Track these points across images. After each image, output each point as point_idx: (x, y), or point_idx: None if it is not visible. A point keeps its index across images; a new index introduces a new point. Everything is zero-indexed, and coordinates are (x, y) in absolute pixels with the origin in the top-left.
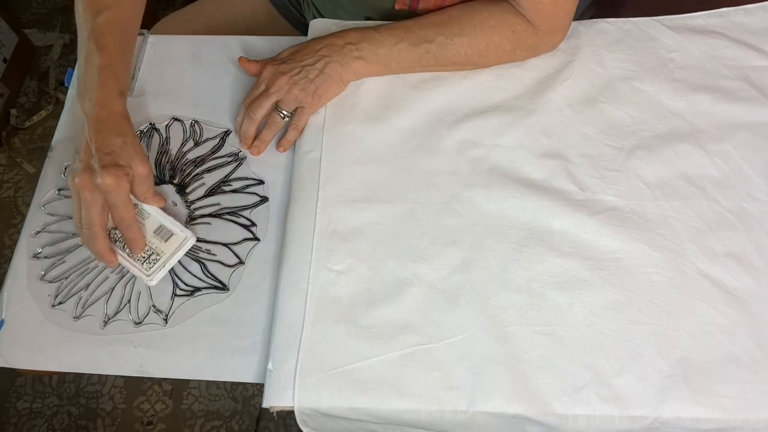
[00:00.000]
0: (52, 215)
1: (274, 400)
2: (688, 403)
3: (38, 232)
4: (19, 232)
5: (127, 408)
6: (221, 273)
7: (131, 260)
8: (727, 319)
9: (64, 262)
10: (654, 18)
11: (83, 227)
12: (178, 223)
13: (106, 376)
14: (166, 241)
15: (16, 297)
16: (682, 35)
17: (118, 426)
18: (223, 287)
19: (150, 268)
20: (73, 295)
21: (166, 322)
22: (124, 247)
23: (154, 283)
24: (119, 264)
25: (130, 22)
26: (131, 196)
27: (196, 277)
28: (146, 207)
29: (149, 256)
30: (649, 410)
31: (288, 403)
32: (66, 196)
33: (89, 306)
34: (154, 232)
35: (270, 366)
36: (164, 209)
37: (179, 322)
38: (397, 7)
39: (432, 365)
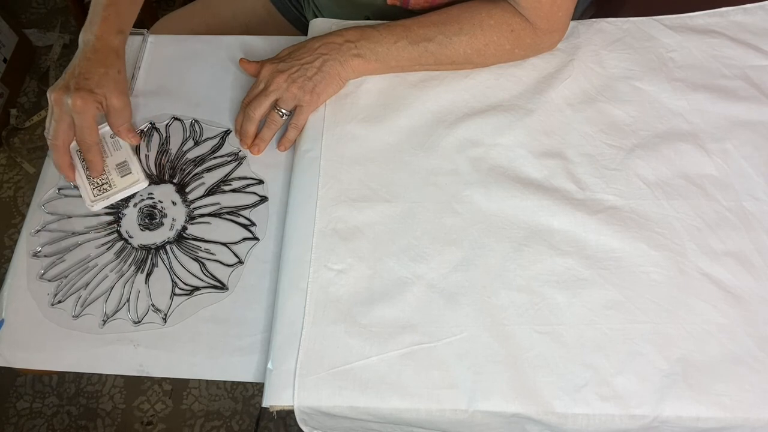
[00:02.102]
0: (51, 214)
1: (274, 399)
2: (688, 401)
3: (38, 230)
4: (19, 232)
5: (127, 408)
6: (220, 272)
7: (86, 182)
8: (726, 318)
9: (63, 261)
10: (653, 18)
11: (50, 137)
12: (141, 168)
13: (106, 376)
14: (122, 176)
15: (16, 296)
16: (681, 35)
17: (118, 426)
18: (222, 287)
19: (97, 195)
20: (72, 293)
21: (165, 322)
22: (86, 168)
23: (94, 209)
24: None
25: None
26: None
27: (195, 276)
28: (121, 141)
29: (102, 184)
30: (648, 409)
31: (288, 402)
32: (66, 195)
33: (88, 305)
34: (117, 165)
35: (270, 365)
36: (138, 149)
37: (178, 322)
38: (389, 2)
39: (432, 364)
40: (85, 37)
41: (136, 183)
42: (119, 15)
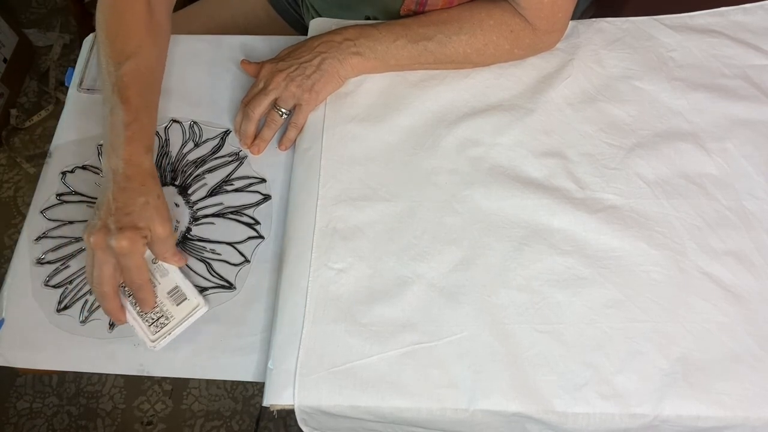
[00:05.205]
0: (52, 221)
1: (274, 398)
2: (689, 400)
3: (39, 237)
4: (19, 232)
5: (127, 408)
6: (227, 272)
7: (140, 320)
8: (726, 316)
9: (68, 267)
10: (653, 17)
11: (94, 284)
12: (194, 289)
13: (106, 376)
14: (178, 304)
15: (16, 296)
16: (681, 34)
17: (118, 426)
18: (230, 286)
19: (156, 332)
20: (78, 299)
21: None
22: (135, 304)
23: (157, 349)
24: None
25: (154, 70)
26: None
27: (202, 277)
28: (166, 264)
29: (158, 318)
30: (649, 408)
31: (288, 401)
32: (66, 201)
33: (95, 310)
34: (168, 293)
35: (270, 364)
36: (185, 269)
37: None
38: (402, 12)
39: (432, 363)
40: (111, 163)
41: (196, 309)
42: (143, 131)
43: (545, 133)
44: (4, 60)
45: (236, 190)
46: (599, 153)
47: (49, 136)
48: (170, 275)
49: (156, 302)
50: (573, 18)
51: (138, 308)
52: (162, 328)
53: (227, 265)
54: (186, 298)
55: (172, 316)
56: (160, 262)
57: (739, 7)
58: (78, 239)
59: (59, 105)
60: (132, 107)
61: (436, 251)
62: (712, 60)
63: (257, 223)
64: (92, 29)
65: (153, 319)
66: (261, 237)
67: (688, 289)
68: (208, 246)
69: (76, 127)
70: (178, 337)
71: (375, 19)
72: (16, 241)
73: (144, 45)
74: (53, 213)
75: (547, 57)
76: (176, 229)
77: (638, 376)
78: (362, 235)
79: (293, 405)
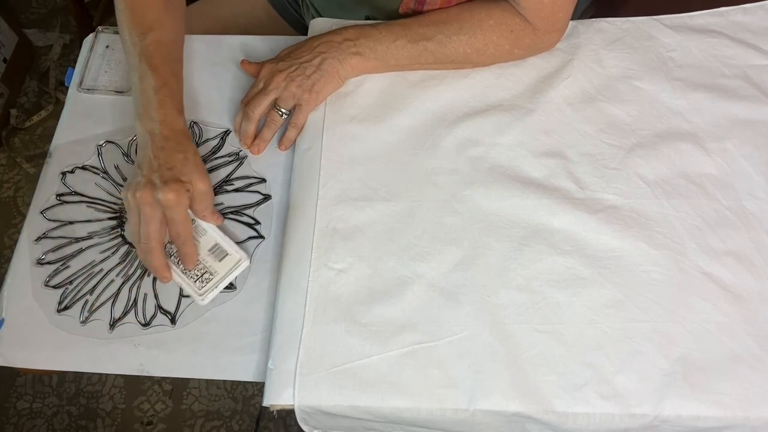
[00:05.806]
0: (53, 221)
1: (274, 398)
2: (689, 400)
3: (40, 238)
4: (19, 232)
5: (127, 408)
6: None
7: (184, 277)
8: (726, 316)
9: (68, 267)
10: (653, 17)
11: (141, 241)
12: (234, 244)
13: (106, 376)
14: (220, 260)
15: (16, 296)
16: (681, 34)
17: (118, 426)
18: (230, 286)
19: (202, 287)
20: (78, 299)
21: (174, 323)
22: (178, 263)
23: (205, 302)
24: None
25: (176, 40)
26: (189, 212)
27: None
28: (203, 224)
29: (202, 274)
30: (649, 408)
31: (288, 401)
32: (65, 201)
33: (95, 310)
34: (209, 250)
35: (270, 364)
36: (221, 228)
37: (187, 323)
38: (401, 11)
39: (432, 363)
40: (146, 126)
41: (239, 263)
42: (172, 95)
43: (545, 133)
44: (4, 60)
45: (236, 190)
46: (599, 153)
47: (49, 136)
48: (209, 234)
49: (198, 259)
50: (573, 18)
51: (181, 266)
52: (207, 282)
53: None
54: (227, 254)
55: (215, 272)
56: (197, 223)
57: (739, 7)
58: (78, 239)
59: (59, 105)
60: (160, 73)
61: (436, 251)
62: (712, 60)
63: (257, 223)
64: (92, 29)
65: (197, 275)
66: (261, 237)
67: (688, 289)
68: None
69: (76, 127)
70: (178, 337)
71: (375, 19)
72: (16, 241)
73: (163, 19)
74: (53, 213)
75: (547, 57)
76: None
77: (638, 376)
78: (362, 235)
79: (293, 405)
